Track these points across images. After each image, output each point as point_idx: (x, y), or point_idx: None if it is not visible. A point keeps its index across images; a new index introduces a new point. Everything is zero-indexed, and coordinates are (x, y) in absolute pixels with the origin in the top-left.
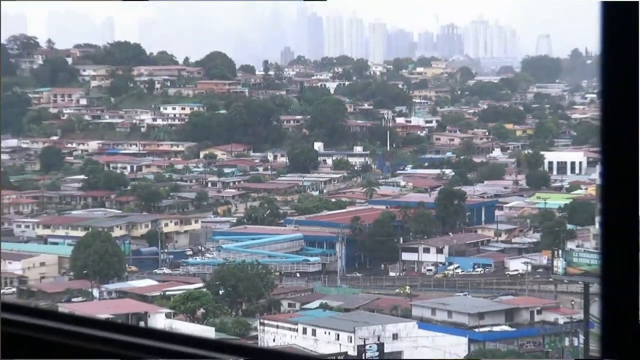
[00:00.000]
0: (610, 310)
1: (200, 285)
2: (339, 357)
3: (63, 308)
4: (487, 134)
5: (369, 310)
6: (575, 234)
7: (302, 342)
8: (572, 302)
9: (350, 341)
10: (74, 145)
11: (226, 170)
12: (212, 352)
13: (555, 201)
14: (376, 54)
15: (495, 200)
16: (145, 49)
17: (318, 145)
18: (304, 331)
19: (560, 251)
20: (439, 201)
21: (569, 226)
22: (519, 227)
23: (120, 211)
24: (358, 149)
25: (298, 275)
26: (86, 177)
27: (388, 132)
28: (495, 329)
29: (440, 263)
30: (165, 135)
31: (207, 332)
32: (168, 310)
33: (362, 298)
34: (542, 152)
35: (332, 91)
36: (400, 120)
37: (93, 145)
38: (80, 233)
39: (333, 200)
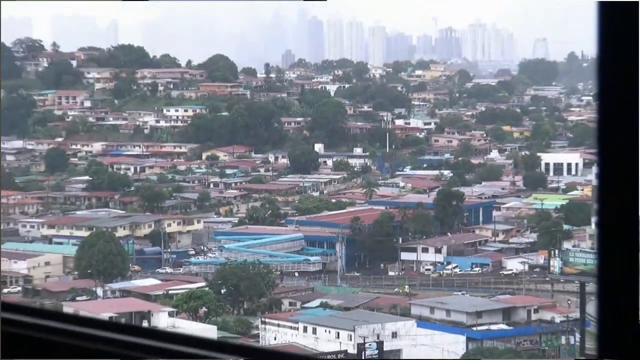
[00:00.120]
0: (607, 310)
1: (203, 284)
2: (339, 355)
3: (67, 307)
4: (484, 135)
5: (368, 309)
6: (572, 234)
7: (303, 341)
8: (569, 301)
9: (350, 339)
10: (79, 146)
11: (228, 171)
12: (212, 352)
13: (552, 202)
14: (376, 57)
15: (493, 201)
16: (149, 52)
17: (318, 147)
18: (305, 329)
19: (556, 251)
20: (438, 202)
21: (565, 226)
22: (516, 227)
23: (123, 211)
24: (358, 151)
25: (296, 274)
26: (90, 178)
27: (387, 134)
28: (493, 327)
29: (439, 262)
30: (168, 137)
31: (209, 330)
32: (171, 309)
33: (362, 297)
34: (538, 154)
35: (332, 93)
36: (399, 122)
37: (97, 146)
38: (84, 233)
39: (333, 200)
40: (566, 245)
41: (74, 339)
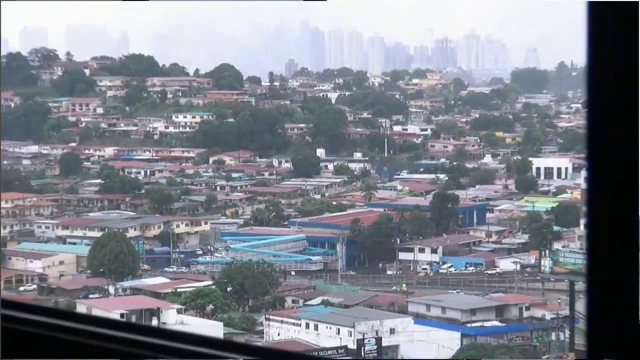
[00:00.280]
0: (597, 309)
1: (210, 282)
2: (339, 351)
3: (80, 304)
4: (478, 141)
5: (367, 306)
6: (561, 235)
7: (305, 336)
8: (559, 299)
9: (350, 335)
10: (91, 151)
11: (234, 175)
12: (218, 351)
13: (543, 204)
14: (375, 66)
15: (486, 203)
16: (158, 61)
17: (320, 152)
18: (307, 326)
19: (547, 251)
20: (434, 204)
21: (556, 228)
22: (509, 228)
23: (134, 213)
24: (357, 155)
25: (293, 273)
26: (102, 182)
27: (386, 140)
28: (486, 324)
29: (435, 262)
30: (177, 142)
31: (215, 326)
32: (179, 306)
33: (362, 295)
34: (530, 159)
35: (333, 101)
36: (397, 128)
37: (109, 151)
38: (97, 233)
39: (334, 203)
40: (556, 245)
41: (73, 337)
